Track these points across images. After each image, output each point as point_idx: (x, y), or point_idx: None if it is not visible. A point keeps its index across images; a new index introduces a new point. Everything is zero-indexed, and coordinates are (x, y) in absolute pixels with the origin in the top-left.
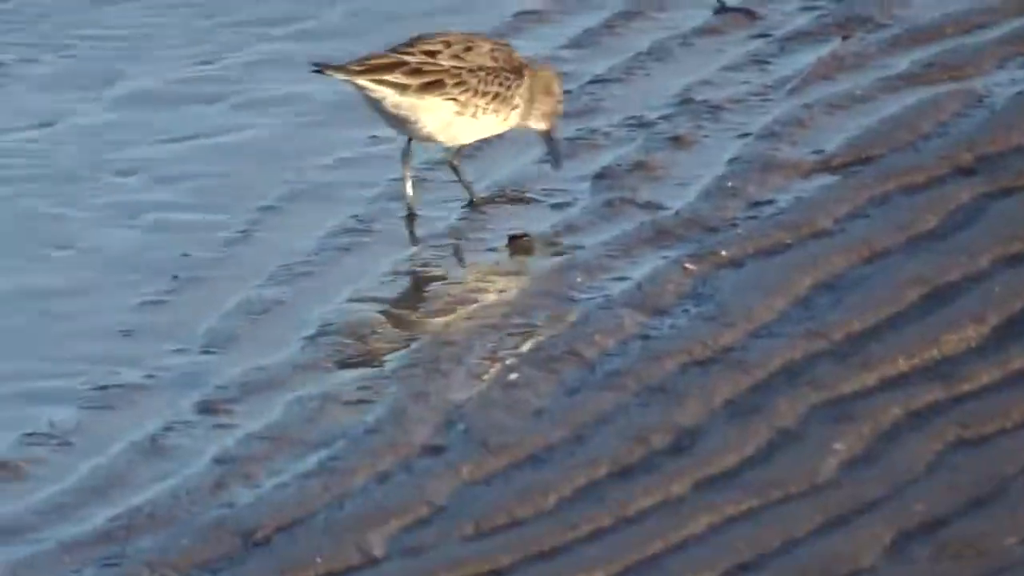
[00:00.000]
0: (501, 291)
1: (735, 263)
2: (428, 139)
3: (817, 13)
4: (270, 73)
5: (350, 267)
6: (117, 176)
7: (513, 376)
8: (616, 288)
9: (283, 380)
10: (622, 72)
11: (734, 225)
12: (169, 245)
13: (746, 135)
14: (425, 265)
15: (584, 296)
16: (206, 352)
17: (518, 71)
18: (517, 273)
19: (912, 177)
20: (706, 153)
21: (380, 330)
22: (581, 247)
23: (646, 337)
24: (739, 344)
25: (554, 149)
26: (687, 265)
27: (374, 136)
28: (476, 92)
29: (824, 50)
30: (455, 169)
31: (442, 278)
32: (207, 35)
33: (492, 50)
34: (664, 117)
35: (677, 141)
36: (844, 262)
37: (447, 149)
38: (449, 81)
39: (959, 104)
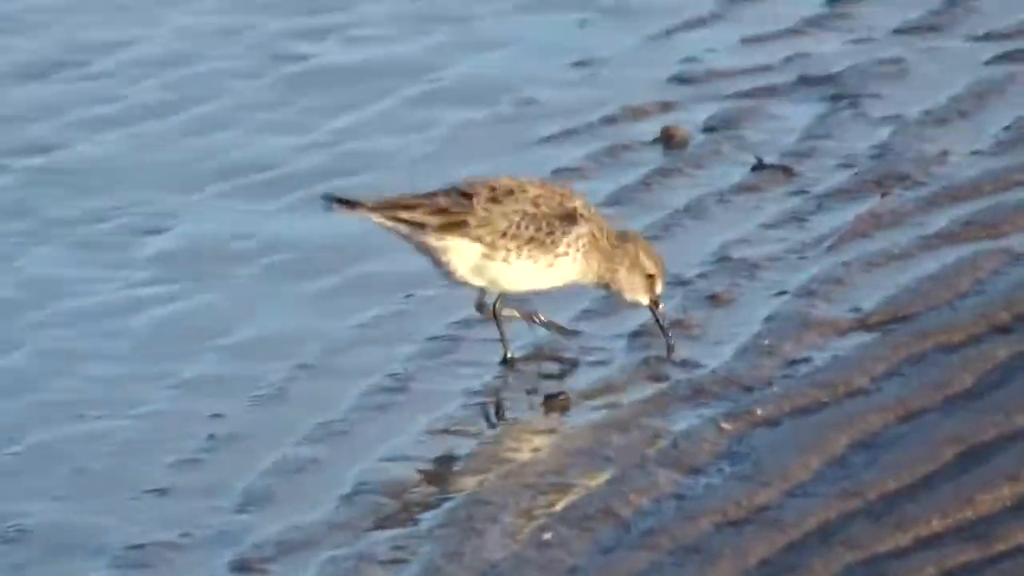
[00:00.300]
0: (536, 449)
1: (771, 422)
2: (466, 283)
3: (855, 170)
4: (304, 227)
5: (385, 425)
6: (152, 332)
7: (547, 535)
8: (651, 447)
9: (319, 539)
10: (659, 229)
11: (770, 384)
12: (205, 402)
13: (783, 293)
14: (460, 423)
15: (619, 455)
16: (242, 511)
17: (570, 218)
18: (552, 431)
19: (949, 336)
20: (743, 311)
21: (415, 489)
22: (617, 405)
23: (681, 496)
24: (774, 503)
25: (660, 327)
26: (723, 424)
27: (410, 295)
28: (506, 235)
29: (862, 207)
30: (496, 318)
31: (477, 436)
32: (241, 190)
33: (538, 196)
34: (701, 275)
35: (714, 299)
36: (880, 421)
37: (493, 296)
38: (473, 222)
39: (996, 262)
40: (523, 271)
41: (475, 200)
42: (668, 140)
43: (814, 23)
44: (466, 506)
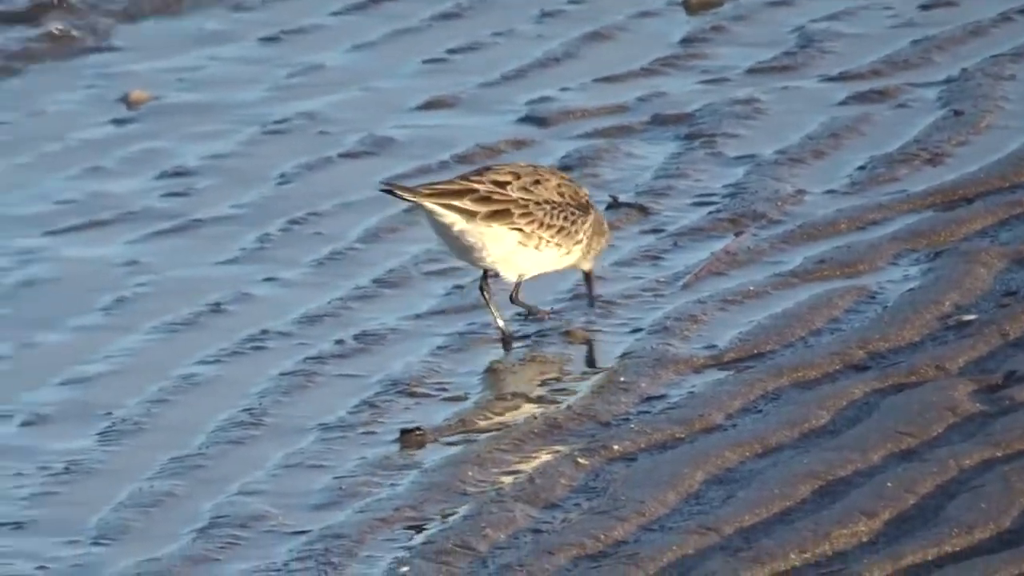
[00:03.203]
0: (393, 484)
1: (627, 457)
2: (491, 268)
3: (710, 208)
4: (156, 263)
5: (241, 459)
6: (4, 368)
7: (404, 569)
8: (508, 481)
9: (174, 572)
10: None
11: (626, 419)
12: (59, 437)
13: (638, 330)
14: (316, 458)
15: (476, 489)
16: (97, 544)
17: (584, 208)
18: (409, 467)
19: (804, 373)
20: (599, 348)
21: (271, 523)
22: (474, 440)
23: (537, 531)
24: (631, 538)
25: (591, 287)
26: (579, 459)
27: (264, 330)
28: (542, 224)
29: (717, 246)
30: (516, 302)
31: (333, 471)
32: (89, 227)
33: (559, 185)
34: (556, 312)
35: (569, 336)
36: (736, 457)
37: (507, 283)
38: (516, 211)
39: (851, 301)
40: (547, 258)
41: (509, 188)
42: None
43: (668, 63)
44: (322, 540)
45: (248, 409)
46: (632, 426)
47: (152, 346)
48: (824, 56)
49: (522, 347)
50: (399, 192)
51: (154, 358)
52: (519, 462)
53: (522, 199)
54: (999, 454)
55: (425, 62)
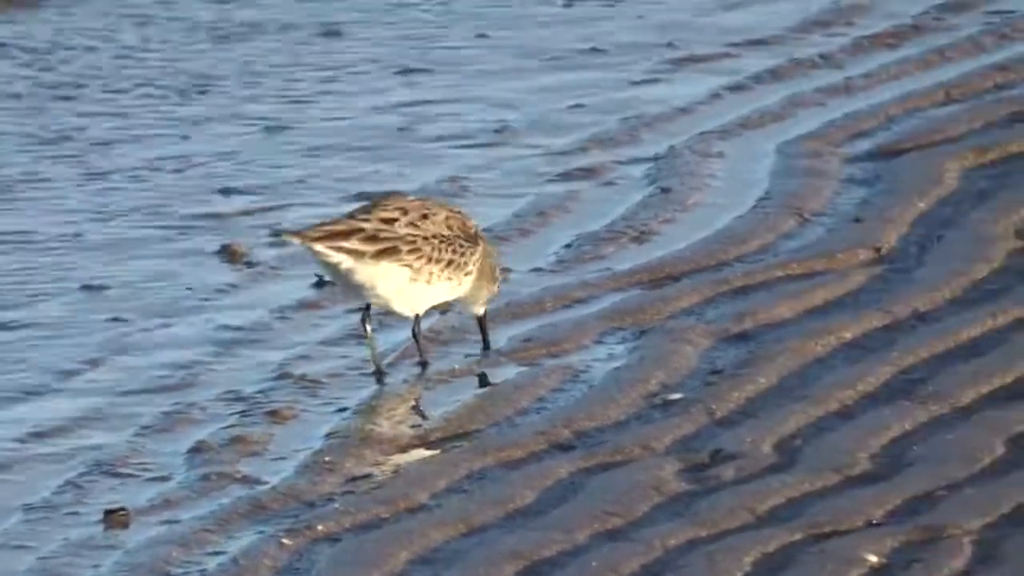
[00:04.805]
0: (96, 565)
1: (332, 538)
2: (384, 305)
3: None
4: None
5: None
6: None
7: None
8: (212, 563)
9: None
10: (221, 346)
11: (331, 500)
12: None
13: (344, 409)
14: (19, 538)
15: (180, 570)
16: None
17: (473, 239)
18: (113, 547)
19: (510, 452)
20: (304, 428)
21: None
22: (177, 521)
23: None
24: None
25: (485, 332)
26: (283, 540)
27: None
28: (430, 259)
29: (422, 325)
30: (416, 337)
31: (36, 551)
32: None
33: (447, 218)
34: (261, 391)
35: (274, 415)
36: (441, 536)
37: (406, 319)
38: (404, 248)
39: (557, 380)
40: (439, 291)
41: (396, 225)
42: (230, 256)
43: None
44: None
45: None
46: (337, 506)
47: None
48: (532, 132)
49: (226, 427)
50: (287, 237)
51: None
52: (223, 542)
53: (410, 235)
54: (704, 533)
55: None
